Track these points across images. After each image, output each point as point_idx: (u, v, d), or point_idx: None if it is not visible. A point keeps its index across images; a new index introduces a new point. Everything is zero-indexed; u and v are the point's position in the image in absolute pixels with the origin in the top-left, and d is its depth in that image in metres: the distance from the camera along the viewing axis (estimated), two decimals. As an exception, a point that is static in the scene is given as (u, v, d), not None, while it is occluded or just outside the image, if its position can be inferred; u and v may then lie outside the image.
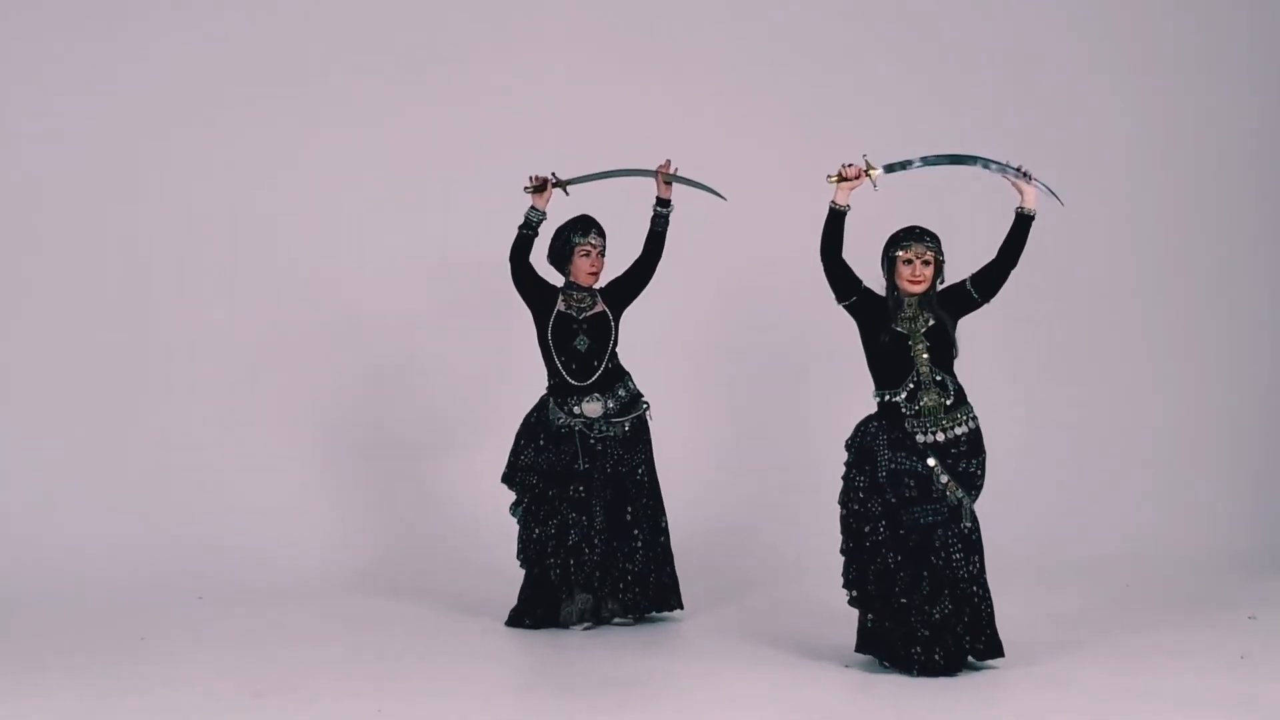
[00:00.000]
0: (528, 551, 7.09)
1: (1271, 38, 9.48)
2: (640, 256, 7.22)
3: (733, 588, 7.86)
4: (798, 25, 9.13)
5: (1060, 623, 7.00)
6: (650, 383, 7.27)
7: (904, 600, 6.08)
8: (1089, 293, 9.28)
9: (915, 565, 6.09)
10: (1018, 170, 6.33)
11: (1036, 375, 9.12)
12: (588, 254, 7.08)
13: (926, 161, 6.47)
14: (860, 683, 6.07)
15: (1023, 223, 6.30)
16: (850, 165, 6.30)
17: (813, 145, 8.56)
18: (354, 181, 8.71)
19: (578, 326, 7.08)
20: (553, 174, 7.13)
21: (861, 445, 6.21)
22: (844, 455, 6.29)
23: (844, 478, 6.26)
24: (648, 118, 8.84)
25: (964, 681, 6.05)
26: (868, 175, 6.31)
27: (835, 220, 6.30)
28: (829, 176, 6.32)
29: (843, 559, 6.26)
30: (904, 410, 6.15)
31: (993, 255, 6.30)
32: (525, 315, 7.22)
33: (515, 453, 7.13)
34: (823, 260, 6.32)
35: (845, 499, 6.23)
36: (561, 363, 7.05)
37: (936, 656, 6.09)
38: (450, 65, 8.83)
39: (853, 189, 6.29)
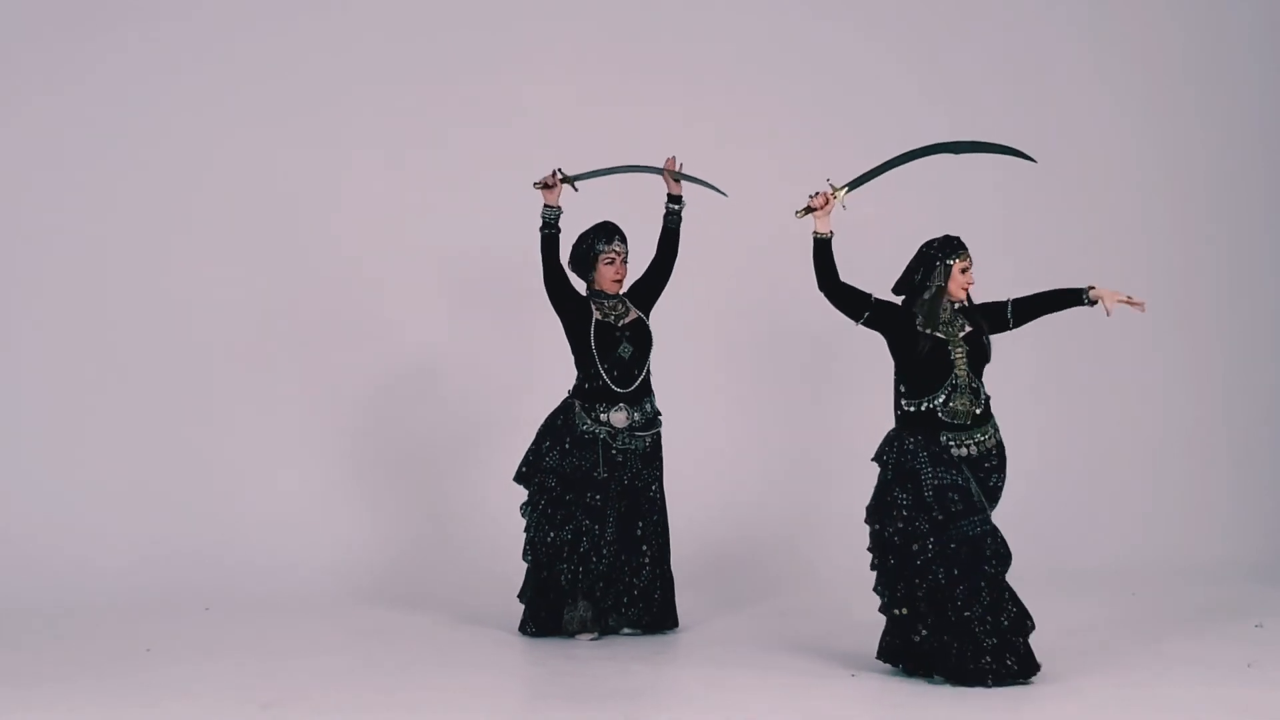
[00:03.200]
0: (538, 554, 7.05)
1: (1278, 42, 9.50)
2: (656, 257, 7.24)
3: (741, 596, 7.87)
4: (802, 33, 9.14)
5: (1067, 631, 7.00)
6: (659, 391, 7.28)
7: (966, 614, 6.05)
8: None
9: (972, 578, 6.07)
10: (989, 145, 6.35)
11: (1044, 385, 9.12)
12: (612, 261, 7.08)
13: (888, 165, 6.44)
14: (869, 691, 6.07)
15: (1077, 303, 6.30)
16: (817, 195, 6.29)
17: (824, 149, 8.61)
18: (373, 189, 8.71)
19: (620, 334, 7.07)
20: (559, 170, 7.11)
21: (900, 463, 6.15)
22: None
23: (879, 495, 6.19)
24: (656, 123, 8.85)
25: (971, 690, 6.04)
26: (835, 198, 6.30)
27: (823, 249, 6.30)
28: (798, 212, 6.32)
29: (880, 576, 6.20)
30: (940, 416, 6.13)
31: (1040, 289, 6.40)
32: (541, 324, 7.20)
33: (537, 453, 7.07)
34: (824, 292, 6.31)
35: (882, 517, 6.16)
36: (605, 370, 7.04)
37: (1009, 662, 6.08)
38: (478, 75, 8.83)
39: (828, 214, 6.27)
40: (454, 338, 8.72)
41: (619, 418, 7.05)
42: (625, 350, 7.06)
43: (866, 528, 6.28)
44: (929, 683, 6.14)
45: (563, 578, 7.02)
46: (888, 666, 6.30)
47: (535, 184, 7.08)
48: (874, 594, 6.28)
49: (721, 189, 7.24)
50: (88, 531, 8.19)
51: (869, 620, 6.91)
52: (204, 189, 8.59)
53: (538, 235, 7.04)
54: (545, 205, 7.05)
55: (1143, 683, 6.14)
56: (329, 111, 8.70)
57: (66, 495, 8.27)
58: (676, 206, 7.22)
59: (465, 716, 5.78)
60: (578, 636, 7.03)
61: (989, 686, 6.04)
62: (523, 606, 7.16)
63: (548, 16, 8.93)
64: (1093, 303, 6.27)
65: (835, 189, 6.31)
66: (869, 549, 6.26)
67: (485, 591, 7.77)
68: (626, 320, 7.11)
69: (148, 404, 8.47)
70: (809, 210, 6.29)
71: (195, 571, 8.08)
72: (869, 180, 6.42)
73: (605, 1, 9.01)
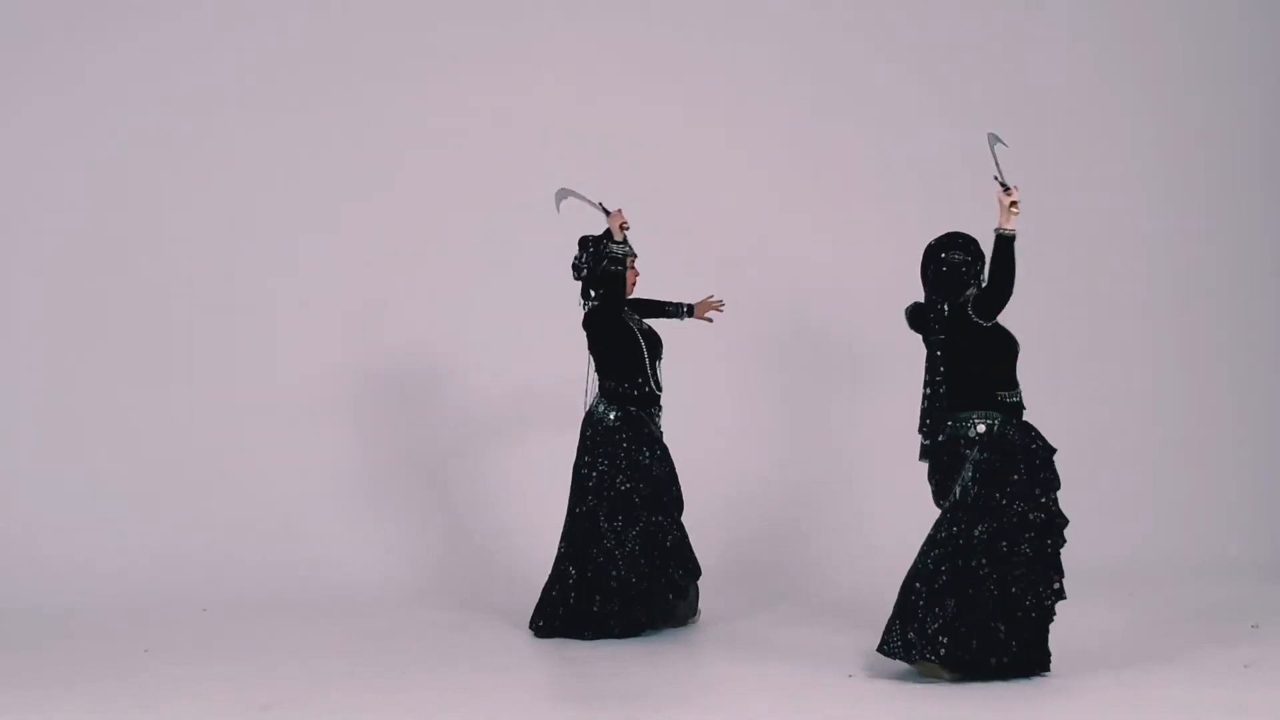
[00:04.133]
0: (638, 565, 7.02)
1: (1277, 39, 9.52)
2: (642, 306, 7.32)
3: (740, 598, 7.86)
4: (802, 38, 9.15)
5: (1064, 632, 6.99)
6: (676, 390, 7.32)
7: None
8: (1095, 302, 9.29)
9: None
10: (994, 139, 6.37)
11: (1042, 384, 9.10)
12: (632, 266, 7.15)
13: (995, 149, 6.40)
14: (867, 692, 6.07)
15: (1001, 244, 6.14)
16: (1011, 189, 6.16)
17: (820, 151, 8.63)
18: (384, 190, 8.71)
19: (658, 339, 7.18)
20: (599, 204, 7.19)
21: (1043, 444, 6.26)
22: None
23: (1034, 482, 6.19)
24: (658, 126, 8.89)
25: (970, 690, 6.05)
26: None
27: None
28: (1014, 214, 6.16)
29: (1043, 571, 6.17)
30: (1022, 406, 6.31)
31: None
32: (546, 326, 7.22)
33: (635, 466, 7.05)
34: (1011, 291, 6.16)
35: (1039, 503, 6.19)
36: (653, 375, 7.12)
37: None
38: (486, 77, 8.85)
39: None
40: (456, 338, 8.71)
41: (660, 418, 7.19)
42: (660, 354, 7.19)
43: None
44: (881, 678, 6.18)
45: (677, 573, 7.08)
46: (883, 667, 6.31)
47: (621, 227, 7.11)
48: (1045, 594, 6.19)
49: (605, 207, 7.25)
50: (86, 533, 8.19)
51: (866, 621, 6.93)
52: (209, 189, 8.60)
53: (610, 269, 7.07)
54: (618, 243, 7.10)
55: (1140, 683, 6.15)
56: (335, 113, 8.71)
57: (64, 497, 8.28)
58: (685, 317, 7.40)
59: (464, 718, 5.78)
60: (692, 621, 7.21)
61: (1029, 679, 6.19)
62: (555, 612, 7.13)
63: (552, 19, 8.95)
64: (1003, 234, 6.13)
65: (1007, 185, 6.21)
66: (1032, 540, 6.14)
67: (484, 593, 7.78)
68: (644, 327, 7.20)
69: (146, 406, 8.47)
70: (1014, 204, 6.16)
71: (193, 573, 8.08)
72: (999, 166, 6.30)
73: (610, 4, 9.02)
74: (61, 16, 8.49)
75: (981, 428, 6.20)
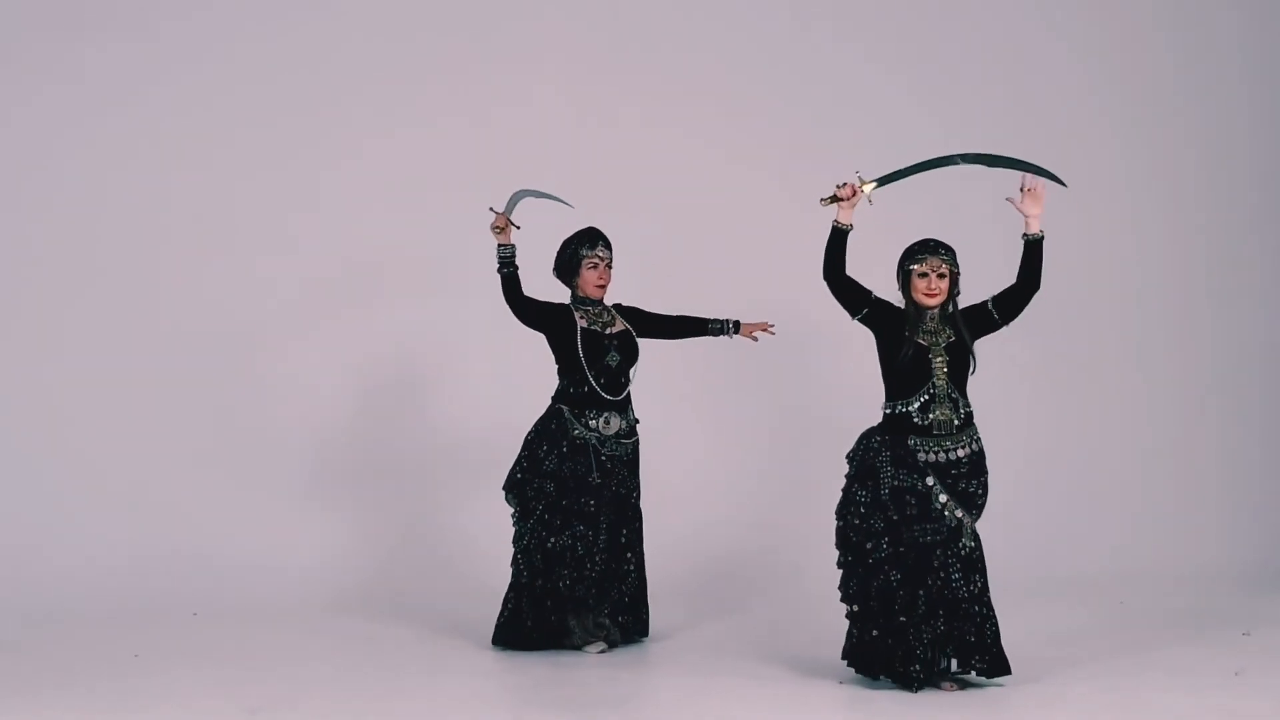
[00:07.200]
0: (533, 562, 6.96)
1: (1267, 49, 9.51)
2: (671, 325, 7.24)
3: (726, 605, 7.86)
4: (792, 45, 9.14)
5: (1055, 639, 7.01)
6: (646, 398, 7.28)
7: (904, 618, 6.10)
8: (1084, 308, 9.28)
9: (913, 584, 6.11)
10: (1008, 160, 6.39)
11: (1032, 392, 9.12)
12: (595, 266, 7.07)
13: (919, 168, 6.46)
14: (854, 700, 6.06)
15: (1031, 248, 6.27)
16: (844, 185, 6.29)
17: (812, 161, 8.59)
18: (361, 194, 8.70)
19: (608, 342, 7.07)
20: (495, 211, 7.12)
21: (864, 460, 6.20)
22: (842, 469, 6.29)
23: (845, 491, 6.24)
24: (647, 132, 8.89)
25: (960, 698, 6.06)
26: (861, 191, 6.31)
27: (839, 240, 6.27)
28: (823, 200, 6.31)
29: (841, 572, 6.24)
30: (915, 421, 6.14)
31: (1012, 277, 6.30)
32: (528, 331, 7.19)
33: (533, 458, 7.00)
34: (827, 281, 6.30)
35: (844, 512, 6.21)
36: (593, 376, 7.02)
37: (927, 672, 6.14)
38: (472, 80, 8.85)
39: (852, 207, 6.27)
40: (442, 345, 8.71)
41: (610, 425, 7.04)
42: (613, 359, 7.07)
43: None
44: (874, 684, 6.16)
45: (562, 583, 6.94)
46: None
47: (492, 227, 7.11)
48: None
49: (568, 202, 7.33)
50: (75, 538, 8.18)
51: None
52: (196, 190, 8.59)
53: (505, 275, 7.04)
54: (499, 245, 7.09)
55: (1131, 689, 6.15)
56: (315, 115, 8.70)
57: (53, 502, 8.26)
58: (729, 334, 7.23)
59: (451, 723, 5.79)
60: (586, 649, 6.96)
61: (914, 692, 6.08)
62: (497, 618, 7.08)
63: (539, 23, 8.95)
64: (1030, 238, 6.26)
65: (864, 182, 6.31)
66: (836, 545, 6.28)
67: (470, 600, 7.75)
68: (614, 329, 7.12)
69: (135, 409, 8.45)
70: (835, 199, 6.28)
71: (182, 577, 8.07)
72: (897, 180, 6.42)
73: (595, 11, 9.01)
74: (50, 16, 8.49)
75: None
